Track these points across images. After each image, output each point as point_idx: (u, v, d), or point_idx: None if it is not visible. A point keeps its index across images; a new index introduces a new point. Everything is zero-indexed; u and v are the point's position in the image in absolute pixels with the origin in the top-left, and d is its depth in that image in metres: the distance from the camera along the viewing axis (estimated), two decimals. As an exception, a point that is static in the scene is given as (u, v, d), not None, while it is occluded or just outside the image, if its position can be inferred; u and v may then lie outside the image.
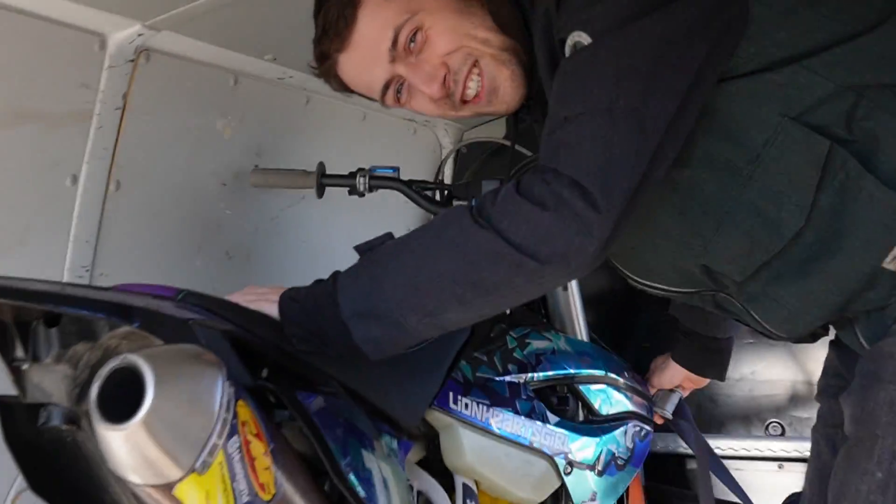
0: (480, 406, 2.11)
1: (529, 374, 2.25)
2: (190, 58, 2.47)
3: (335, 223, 2.87)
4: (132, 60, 2.32)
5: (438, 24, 1.80)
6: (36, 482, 1.56)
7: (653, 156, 1.54)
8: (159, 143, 2.48)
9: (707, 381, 2.61)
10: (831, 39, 1.62)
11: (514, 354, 2.27)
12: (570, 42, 1.62)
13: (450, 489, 2.06)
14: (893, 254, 1.62)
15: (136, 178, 2.41)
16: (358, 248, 1.71)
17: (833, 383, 2.00)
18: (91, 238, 2.35)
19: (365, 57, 1.85)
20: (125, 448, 1.31)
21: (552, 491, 2.23)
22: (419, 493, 2.00)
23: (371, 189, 2.47)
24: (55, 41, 2.15)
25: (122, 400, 1.30)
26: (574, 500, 2.24)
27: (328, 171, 2.52)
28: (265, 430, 1.48)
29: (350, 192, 2.48)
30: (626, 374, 2.48)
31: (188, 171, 2.60)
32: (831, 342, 2.00)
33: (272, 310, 1.67)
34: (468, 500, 2.06)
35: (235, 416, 1.41)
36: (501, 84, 1.85)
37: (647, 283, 1.92)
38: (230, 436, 1.38)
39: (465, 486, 2.07)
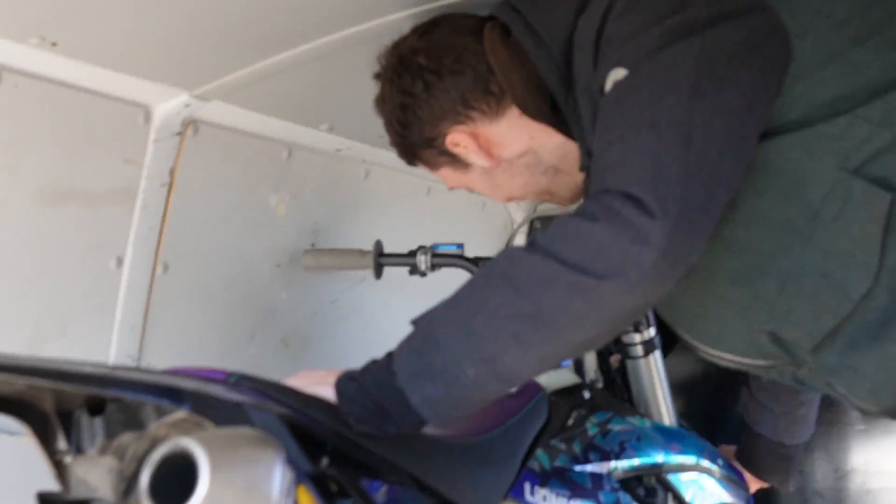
0: (560, 498, 2.10)
1: (613, 463, 2.24)
2: (241, 129, 2.49)
3: (397, 305, 2.88)
4: (179, 133, 2.32)
5: (482, 192, 2.11)
6: None
7: (705, 166, 1.54)
8: (209, 221, 2.48)
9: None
10: (882, 80, 1.64)
11: (596, 441, 2.26)
12: (608, 83, 1.67)
13: None
14: None
15: (184, 260, 2.41)
16: (413, 320, 1.69)
17: None
18: (137, 325, 2.34)
19: None
20: None
21: None
22: None
23: (433, 268, 2.49)
24: (97, 114, 2.16)
25: (174, 489, 1.28)
26: None
27: (388, 250, 2.54)
28: None
29: (410, 272, 2.50)
30: (720, 461, 2.44)
31: (240, 252, 2.61)
32: None
33: (329, 393, 1.65)
34: None
35: (295, 501, 1.39)
36: (556, 198, 2.08)
37: (717, 353, 1.91)
38: None
39: None
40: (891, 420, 1.88)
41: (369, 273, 2.59)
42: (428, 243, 2.46)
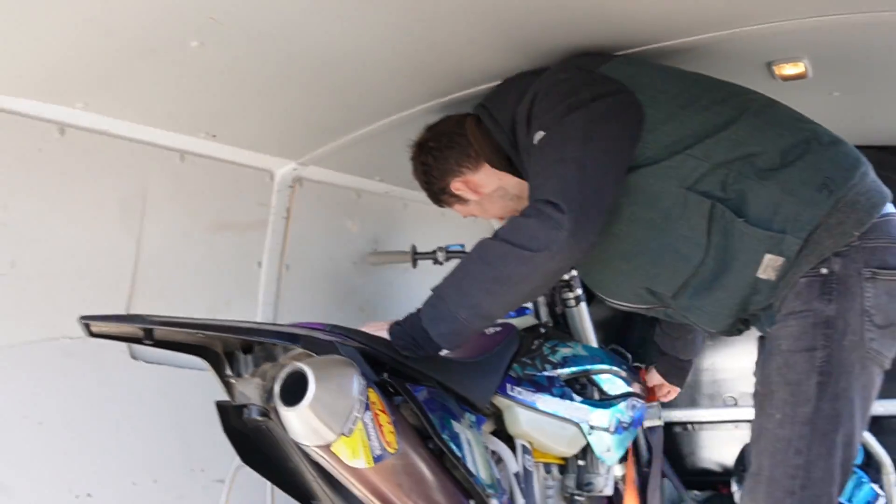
0: (528, 392, 2.08)
1: (560, 371, 2.20)
2: (328, 182, 2.47)
3: (426, 283, 2.82)
4: (291, 186, 2.32)
5: (479, 215, 2.03)
6: (246, 457, 1.59)
7: (594, 183, 1.55)
8: (312, 238, 2.46)
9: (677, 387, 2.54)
10: (701, 130, 1.62)
11: (549, 358, 2.22)
12: (535, 140, 1.67)
13: (513, 449, 2.02)
14: (762, 267, 1.58)
15: (299, 263, 2.40)
16: (432, 287, 1.70)
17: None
18: (272, 301, 2.34)
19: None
20: (298, 422, 1.36)
21: (581, 447, 2.19)
22: (493, 452, 1.95)
23: (447, 259, 2.42)
24: (243, 178, 2.19)
25: (295, 392, 1.35)
26: (596, 452, 2.19)
27: (419, 250, 2.47)
28: (388, 407, 1.49)
29: (434, 263, 2.45)
30: (624, 367, 2.38)
31: (331, 256, 2.57)
32: (759, 336, 1.88)
33: (386, 334, 1.65)
34: (525, 456, 2.03)
35: (367, 398, 1.43)
36: None
37: (617, 301, 1.86)
38: (365, 411, 1.41)
39: (522, 446, 2.04)
40: (725, 336, 1.84)
41: (408, 265, 2.51)
42: (443, 245, 2.45)
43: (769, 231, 1.57)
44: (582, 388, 2.24)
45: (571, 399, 2.16)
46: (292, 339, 1.47)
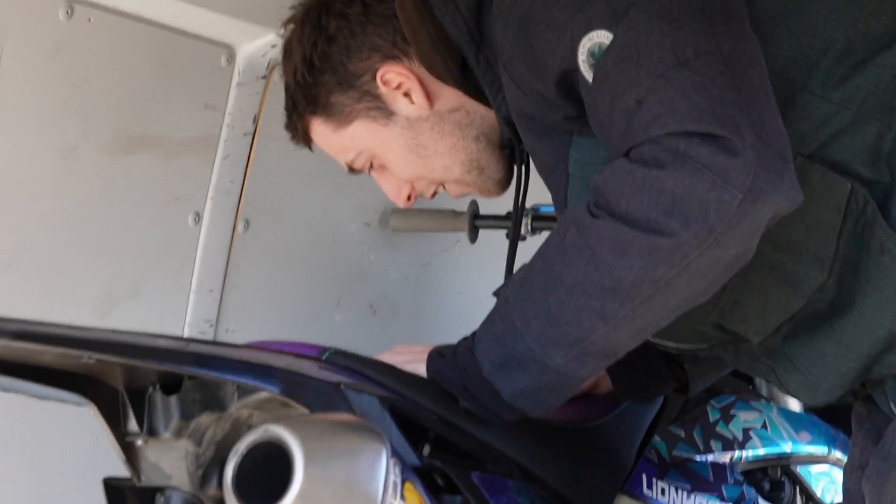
0: (680, 492, 2.01)
1: (737, 453, 2.14)
2: None
3: (495, 270, 2.80)
4: (264, 77, 2.30)
5: (394, 161, 1.86)
6: None
7: (755, 90, 1.44)
8: (294, 175, 2.45)
9: None
10: (845, 44, 1.56)
11: (718, 429, 2.15)
12: (586, 52, 1.52)
13: None
14: None
15: (267, 217, 2.40)
16: (495, 292, 1.64)
17: (862, 448, 1.87)
18: (216, 287, 2.33)
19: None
20: None
21: None
22: None
23: (534, 231, 2.36)
24: (175, 53, 2.16)
25: (262, 484, 1.25)
26: None
27: (483, 212, 2.44)
28: None
29: (508, 236, 2.38)
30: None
31: (327, 210, 2.58)
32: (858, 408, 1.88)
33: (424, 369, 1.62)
34: None
35: (402, 500, 1.35)
36: (472, 189, 1.91)
37: (657, 340, 1.76)
38: None
39: None
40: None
41: (464, 235, 2.48)
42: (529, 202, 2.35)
43: None
44: (775, 487, 2.20)
45: (755, 507, 2.05)
46: (258, 372, 1.40)
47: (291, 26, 1.83)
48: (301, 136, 1.87)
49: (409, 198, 1.87)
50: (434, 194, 1.89)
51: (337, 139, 1.84)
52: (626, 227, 1.40)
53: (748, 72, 1.44)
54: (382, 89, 1.79)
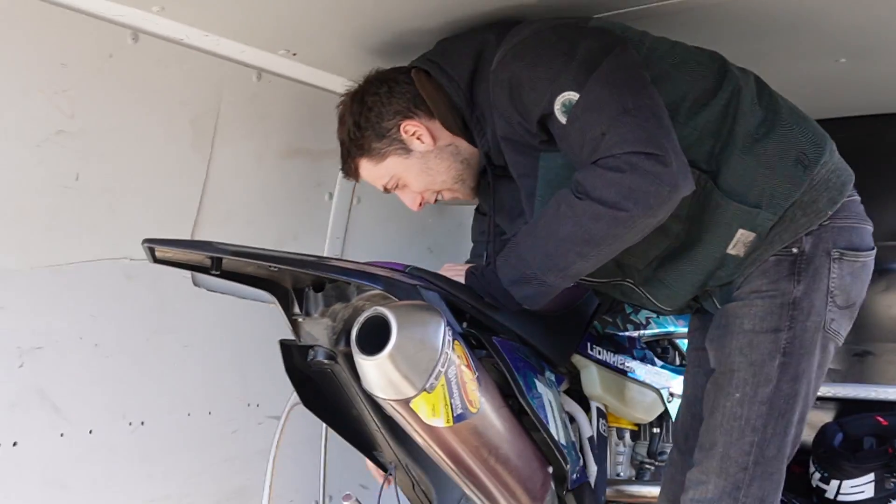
0: (608, 353, 2.03)
1: (641, 331, 2.16)
2: None
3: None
4: None
5: (413, 180, 1.77)
6: (305, 399, 1.58)
7: (669, 127, 1.46)
8: None
9: None
10: (692, 96, 1.55)
11: (631, 317, 2.16)
12: (559, 104, 1.51)
13: (587, 411, 1.98)
14: (733, 242, 1.57)
15: (371, 197, 2.34)
16: (503, 239, 1.70)
17: (697, 338, 1.86)
18: (341, 235, 2.30)
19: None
20: (375, 373, 1.28)
21: (658, 413, 2.14)
22: (567, 412, 1.90)
23: None
24: (320, 100, 2.08)
25: (373, 340, 1.27)
26: (673, 420, 2.11)
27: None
28: (473, 362, 1.42)
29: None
30: None
31: None
32: (692, 313, 1.89)
33: (463, 279, 1.62)
34: (600, 419, 1.99)
35: (454, 351, 1.36)
36: (458, 195, 1.83)
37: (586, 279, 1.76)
38: (449, 366, 1.34)
39: (598, 408, 2.00)
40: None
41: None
42: None
43: (744, 205, 1.56)
44: (664, 351, 2.21)
45: (653, 363, 2.13)
46: (372, 279, 1.40)
47: (345, 101, 1.78)
48: (352, 172, 1.80)
49: (420, 204, 1.81)
50: (436, 200, 1.82)
51: (376, 171, 1.77)
52: (599, 205, 1.44)
53: (662, 115, 1.47)
54: (404, 136, 1.73)
